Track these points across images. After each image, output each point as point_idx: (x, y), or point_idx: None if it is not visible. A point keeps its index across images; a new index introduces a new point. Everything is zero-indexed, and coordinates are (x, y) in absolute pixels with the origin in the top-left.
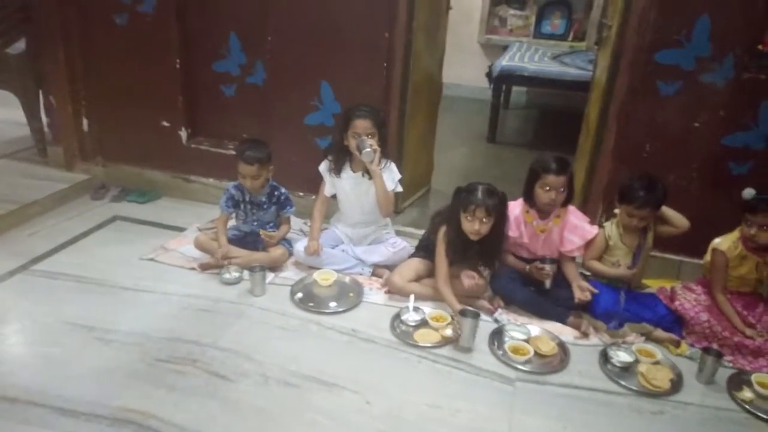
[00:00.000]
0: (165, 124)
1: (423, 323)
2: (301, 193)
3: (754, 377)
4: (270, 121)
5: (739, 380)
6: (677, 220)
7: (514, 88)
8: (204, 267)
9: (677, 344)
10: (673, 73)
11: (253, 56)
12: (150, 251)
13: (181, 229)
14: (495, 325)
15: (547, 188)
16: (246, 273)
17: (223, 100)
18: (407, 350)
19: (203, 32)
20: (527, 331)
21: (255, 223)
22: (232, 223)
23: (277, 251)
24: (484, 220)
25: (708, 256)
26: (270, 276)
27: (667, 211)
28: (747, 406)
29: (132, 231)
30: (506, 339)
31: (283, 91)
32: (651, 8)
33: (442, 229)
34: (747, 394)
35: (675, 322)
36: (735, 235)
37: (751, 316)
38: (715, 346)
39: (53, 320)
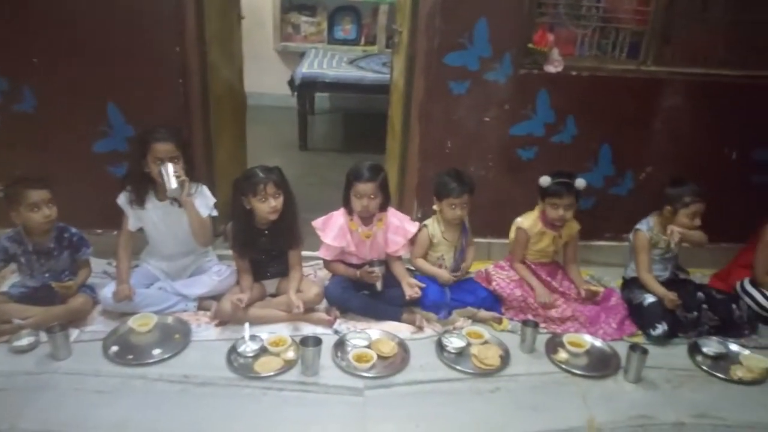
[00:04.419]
0: None
1: (262, 351)
2: (99, 231)
3: (565, 338)
4: (49, 152)
5: (553, 344)
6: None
7: (317, 94)
8: None
9: (499, 321)
10: (461, 74)
11: (17, 81)
12: None
13: None
14: (336, 337)
15: (359, 196)
16: (43, 335)
17: None
18: (250, 384)
19: None
20: (368, 336)
21: (47, 275)
22: (15, 279)
23: (77, 300)
24: (276, 194)
25: (512, 234)
26: (74, 333)
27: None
28: (564, 366)
29: None
30: (349, 348)
31: (61, 117)
32: (435, 14)
33: (228, 226)
34: (562, 355)
35: (495, 302)
36: (534, 214)
37: (554, 282)
38: (530, 316)
39: None
